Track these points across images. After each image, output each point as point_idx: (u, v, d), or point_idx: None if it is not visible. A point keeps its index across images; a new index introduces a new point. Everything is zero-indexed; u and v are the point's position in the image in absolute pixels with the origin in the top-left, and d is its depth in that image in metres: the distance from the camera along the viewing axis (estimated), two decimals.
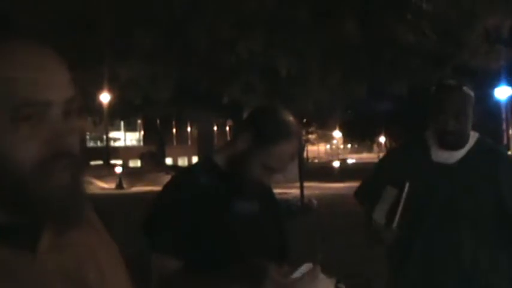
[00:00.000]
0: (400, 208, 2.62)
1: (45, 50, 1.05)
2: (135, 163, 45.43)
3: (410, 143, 3.20)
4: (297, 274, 1.96)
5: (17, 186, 1.00)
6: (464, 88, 2.80)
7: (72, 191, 1.04)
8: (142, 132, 54.80)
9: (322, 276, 1.97)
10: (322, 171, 37.93)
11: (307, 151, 57.92)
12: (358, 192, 3.22)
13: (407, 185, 2.64)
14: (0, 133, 0.98)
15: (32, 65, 1.01)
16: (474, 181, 2.83)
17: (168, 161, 46.54)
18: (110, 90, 21.85)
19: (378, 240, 2.75)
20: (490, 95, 25.13)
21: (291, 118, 2.26)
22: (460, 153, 2.87)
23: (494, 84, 23.99)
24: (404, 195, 2.63)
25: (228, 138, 34.55)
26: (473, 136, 2.91)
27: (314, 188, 23.08)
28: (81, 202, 1.07)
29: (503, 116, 24.87)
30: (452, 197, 2.82)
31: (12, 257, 1.02)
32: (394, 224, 2.62)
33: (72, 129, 1.04)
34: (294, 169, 18.29)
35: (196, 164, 2.66)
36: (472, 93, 2.82)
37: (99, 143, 48.89)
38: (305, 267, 1.97)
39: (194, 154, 36.58)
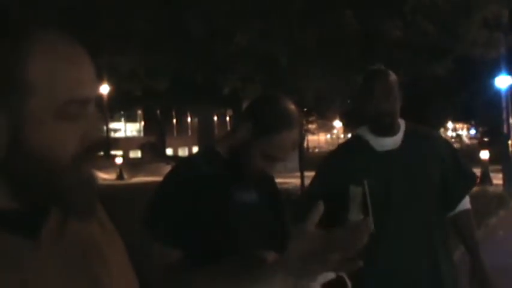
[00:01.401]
0: (370, 205, 2.67)
1: (78, 44, 1.06)
2: (136, 154, 45.43)
3: (344, 145, 3.36)
4: None
5: (52, 176, 1.02)
6: (389, 72, 3.02)
7: (92, 182, 1.07)
8: (142, 123, 54.77)
9: None
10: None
11: (307, 141, 57.90)
12: (302, 207, 3.19)
13: (365, 182, 2.70)
14: (42, 128, 1.00)
15: (73, 60, 1.03)
16: (423, 159, 3.03)
17: (169, 151, 46.51)
18: (109, 82, 21.82)
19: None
20: (490, 85, 25.09)
21: (292, 107, 2.25)
22: (398, 137, 3.03)
23: (494, 73, 23.94)
24: (367, 192, 2.68)
25: (229, 128, 34.53)
26: (401, 122, 3.09)
27: None
28: (96, 191, 1.09)
29: (504, 105, 24.82)
30: (409, 176, 2.98)
31: (15, 244, 1.02)
32: (370, 221, 2.67)
33: (101, 123, 1.08)
34: (294, 159, 18.30)
35: (197, 153, 2.65)
36: (395, 77, 3.03)
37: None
38: None
39: (194, 144, 36.53)
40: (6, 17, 1.02)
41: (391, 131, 3.01)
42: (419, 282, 2.97)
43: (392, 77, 3.00)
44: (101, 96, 24.97)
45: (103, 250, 1.16)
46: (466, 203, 3.21)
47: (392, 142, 3.01)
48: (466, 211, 3.20)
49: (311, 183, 3.25)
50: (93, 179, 1.08)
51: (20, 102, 0.99)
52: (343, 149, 3.30)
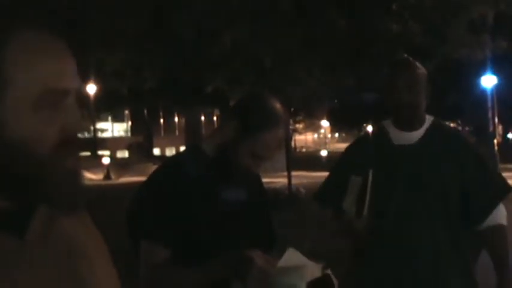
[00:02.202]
0: (368, 196, 2.64)
1: (57, 39, 1.08)
2: (123, 154, 45.28)
3: (367, 134, 3.31)
4: (282, 262, 1.97)
5: (32, 168, 1.03)
6: (416, 63, 2.91)
7: (78, 176, 1.08)
8: (129, 123, 54.58)
9: (308, 262, 1.98)
10: (310, 160, 37.95)
11: (294, 140, 57.93)
12: (320, 195, 3.18)
13: (371, 172, 2.67)
14: (20, 118, 1.02)
15: (50, 54, 1.05)
16: (437, 160, 2.89)
17: (156, 151, 46.37)
18: (96, 82, 21.75)
19: (349, 230, 2.76)
20: (476, 84, 25.21)
21: (278, 105, 2.25)
22: (419, 133, 2.92)
23: (480, 73, 24.07)
24: (369, 183, 2.66)
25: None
26: (429, 118, 2.98)
27: (302, 177, 23.08)
28: (84, 187, 1.10)
29: (489, 104, 24.96)
30: (417, 175, 2.87)
31: (2, 243, 1.03)
32: (364, 212, 2.64)
33: (81, 116, 1.08)
34: (281, 158, 18.31)
35: (183, 152, 2.65)
36: (424, 70, 2.92)
37: (86, 134, 48.69)
38: (289, 253, 1.98)
39: (182, 144, 36.46)
40: None
41: (411, 124, 2.92)
42: (420, 285, 2.84)
43: (420, 69, 2.90)
44: (87, 95, 24.89)
45: (88, 250, 1.17)
46: (497, 217, 2.92)
47: (411, 137, 2.92)
48: (496, 227, 2.92)
49: (332, 168, 3.21)
50: (77, 173, 1.09)
51: None
52: (364, 139, 3.28)
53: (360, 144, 3.19)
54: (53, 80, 1.04)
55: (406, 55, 3.04)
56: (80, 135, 1.10)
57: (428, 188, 2.86)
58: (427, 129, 2.93)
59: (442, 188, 2.86)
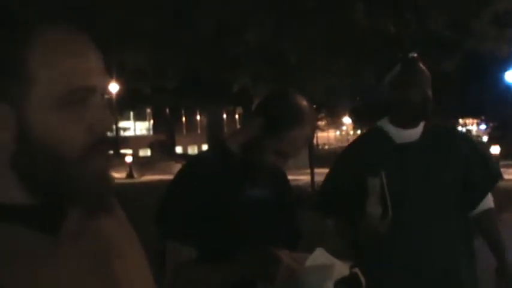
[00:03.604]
0: (388, 196, 2.64)
1: (83, 37, 1.07)
2: (145, 152, 45.53)
3: (362, 136, 3.31)
4: (310, 261, 1.95)
5: (61, 168, 1.03)
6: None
7: (107, 175, 1.08)
8: (151, 122, 54.85)
9: (336, 260, 1.96)
10: (332, 157, 37.88)
11: (317, 137, 57.89)
12: (321, 205, 3.23)
13: (382, 173, 2.66)
14: (47, 118, 1.02)
15: (75, 51, 1.04)
16: (440, 153, 2.97)
17: (178, 149, 46.61)
18: (118, 80, 21.87)
19: (372, 233, 2.75)
20: (501, 79, 24.99)
21: (304, 103, 2.22)
22: (419, 130, 2.99)
23: (504, 68, 23.87)
24: (385, 183, 2.65)
25: (238, 126, 34.56)
26: None
27: (324, 174, 23.00)
28: (111, 186, 1.10)
29: None
30: (426, 170, 2.93)
31: (34, 239, 1.03)
32: (390, 213, 2.64)
33: (110, 114, 1.08)
34: (304, 156, 18.28)
35: (208, 150, 2.64)
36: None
37: (108, 133, 48.81)
38: (317, 252, 1.96)
39: (204, 142, 36.58)
40: (8, 11, 1.05)
41: (422, 118, 2.98)
42: (438, 279, 2.90)
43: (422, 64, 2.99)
44: (110, 94, 25.03)
45: (121, 247, 1.17)
46: (488, 202, 3.10)
47: (412, 134, 2.98)
48: (489, 210, 3.08)
49: (329, 175, 3.22)
50: (106, 172, 1.08)
51: (23, 93, 1.01)
52: (361, 140, 3.27)
53: (363, 143, 3.19)
54: (79, 78, 1.03)
55: (415, 54, 3.06)
56: (108, 133, 1.10)
57: (438, 181, 2.93)
58: (425, 126, 3.00)
59: (450, 180, 2.95)
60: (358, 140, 3.29)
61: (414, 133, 2.98)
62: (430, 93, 2.91)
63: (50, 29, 1.04)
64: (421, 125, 2.99)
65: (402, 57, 3.01)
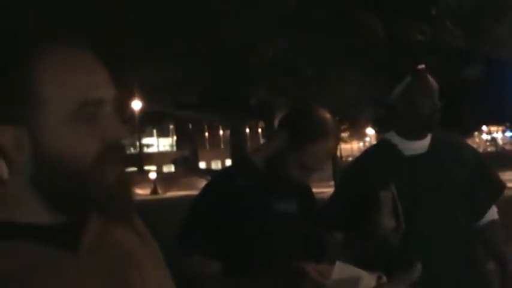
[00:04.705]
0: (400, 209, 2.63)
1: (86, 52, 1.10)
2: (169, 168, 45.74)
3: (370, 149, 3.30)
4: (335, 274, 1.93)
5: (79, 180, 1.04)
6: None
7: (123, 184, 1.09)
8: (175, 137, 55.08)
9: (362, 272, 1.94)
10: None
11: (340, 149, 57.70)
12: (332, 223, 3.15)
13: (393, 185, 2.65)
14: (60, 133, 1.04)
15: (80, 66, 1.07)
16: (449, 164, 2.97)
17: (202, 164, 46.74)
18: (141, 97, 21.99)
19: (385, 246, 2.74)
20: None
21: (327, 116, 2.24)
22: (426, 142, 2.98)
23: None
24: (396, 196, 2.64)
25: (261, 140, 34.59)
26: None
27: None
28: (130, 195, 1.11)
29: None
30: (436, 181, 2.92)
31: (55, 256, 1.05)
32: (402, 225, 2.63)
33: (121, 124, 1.09)
34: (328, 168, 18.26)
35: (233, 164, 2.65)
36: None
37: (132, 150, 49.27)
38: (338, 266, 1.94)
39: (227, 157, 36.64)
40: (17, 35, 1.07)
41: (430, 130, 2.98)
42: (448, 286, 2.90)
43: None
44: (132, 111, 25.17)
45: (140, 260, 1.17)
46: (493, 213, 3.09)
47: (420, 146, 2.97)
48: (493, 221, 3.08)
49: (337, 189, 3.22)
50: (123, 181, 1.09)
51: (35, 113, 1.03)
52: (369, 153, 3.25)
53: (371, 156, 3.18)
54: (87, 91, 1.05)
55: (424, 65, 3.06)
56: (122, 142, 1.10)
57: (449, 192, 2.94)
58: (432, 137, 3.00)
59: (457, 191, 2.96)
60: (367, 153, 3.28)
61: (422, 145, 2.98)
62: (438, 104, 2.91)
63: (53, 47, 1.06)
64: (429, 136, 2.99)
65: (411, 69, 3.02)
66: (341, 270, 1.94)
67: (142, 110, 25.22)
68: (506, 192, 3.27)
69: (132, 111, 25.09)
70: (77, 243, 1.08)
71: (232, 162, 2.84)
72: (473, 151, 3.24)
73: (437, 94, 2.93)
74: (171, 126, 50.87)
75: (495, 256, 3.08)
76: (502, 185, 3.20)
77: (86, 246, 1.09)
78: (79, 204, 1.07)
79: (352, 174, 3.18)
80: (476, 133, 53.14)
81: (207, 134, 53.43)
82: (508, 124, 38.95)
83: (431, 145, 2.98)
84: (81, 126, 1.04)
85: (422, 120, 2.92)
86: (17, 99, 1.03)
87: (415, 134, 2.98)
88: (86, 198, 1.06)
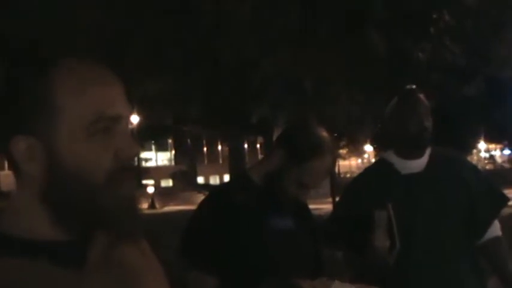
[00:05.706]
0: (395, 229, 2.62)
1: (104, 67, 1.09)
2: (167, 183, 45.61)
3: (369, 169, 3.29)
4: None
5: (91, 196, 1.03)
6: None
7: (134, 202, 1.08)
8: (173, 152, 55.01)
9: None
10: None
11: (338, 166, 57.64)
12: (329, 236, 3.13)
13: (390, 205, 2.65)
14: (76, 146, 1.03)
15: (100, 82, 1.06)
16: (446, 182, 2.96)
17: (200, 179, 46.66)
18: (139, 112, 22.00)
19: (379, 266, 2.73)
20: None
21: (324, 134, 2.26)
22: (424, 160, 2.98)
23: None
24: (392, 215, 2.64)
25: (259, 156, 34.58)
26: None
27: None
28: (139, 214, 1.11)
29: None
30: (434, 200, 2.91)
31: (59, 273, 1.04)
32: (397, 245, 2.63)
33: (135, 142, 1.09)
34: (326, 184, 18.22)
35: (231, 181, 2.66)
36: None
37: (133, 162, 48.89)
38: (336, 285, 1.95)
39: (226, 172, 36.60)
40: (36, 47, 1.05)
41: (424, 149, 2.97)
42: None
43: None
44: (131, 125, 25.19)
45: (143, 276, 1.17)
46: (495, 230, 3.05)
47: (417, 165, 2.97)
48: (496, 238, 3.04)
49: (336, 207, 3.22)
50: (133, 199, 1.09)
51: (51, 124, 1.02)
52: (368, 172, 3.26)
53: (370, 175, 3.18)
54: (105, 106, 1.05)
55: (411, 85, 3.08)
56: (134, 161, 1.11)
57: (446, 211, 2.93)
58: (430, 155, 2.99)
59: (457, 209, 2.94)
60: (365, 172, 3.28)
61: (419, 163, 2.97)
62: (428, 123, 2.90)
63: (72, 59, 1.06)
64: (427, 154, 2.99)
65: (400, 89, 3.04)
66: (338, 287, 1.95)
67: (141, 124, 25.25)
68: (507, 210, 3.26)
69: (131, 125, 25.09)
70: (83, 260, 1.07)
71: (231, 177, 2.83)
72: (473, 167, 3.23)
73: (427, 113, 2.92)
74: (170, 141, 50.82)
75: (500, 274, 3.06)
76: (504, 198, 3.15)
77: (92, 263, 1.08)
78: (89, 223, 1.06)
79: (350, 193, 3.18)
80: (474, 151, 53.10)
81: (205, 149, 53.38)
82: (506, 142, 38.96)
83: (428, 163, 2.97)
84: (97, 141, 1.04)
85: (411, 140, 2.92)
86: (33, 109, 1.02)
87: (408, 153, 2.98)
88: (97, 217, 1.05)
